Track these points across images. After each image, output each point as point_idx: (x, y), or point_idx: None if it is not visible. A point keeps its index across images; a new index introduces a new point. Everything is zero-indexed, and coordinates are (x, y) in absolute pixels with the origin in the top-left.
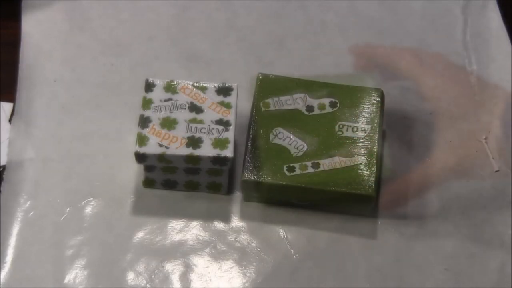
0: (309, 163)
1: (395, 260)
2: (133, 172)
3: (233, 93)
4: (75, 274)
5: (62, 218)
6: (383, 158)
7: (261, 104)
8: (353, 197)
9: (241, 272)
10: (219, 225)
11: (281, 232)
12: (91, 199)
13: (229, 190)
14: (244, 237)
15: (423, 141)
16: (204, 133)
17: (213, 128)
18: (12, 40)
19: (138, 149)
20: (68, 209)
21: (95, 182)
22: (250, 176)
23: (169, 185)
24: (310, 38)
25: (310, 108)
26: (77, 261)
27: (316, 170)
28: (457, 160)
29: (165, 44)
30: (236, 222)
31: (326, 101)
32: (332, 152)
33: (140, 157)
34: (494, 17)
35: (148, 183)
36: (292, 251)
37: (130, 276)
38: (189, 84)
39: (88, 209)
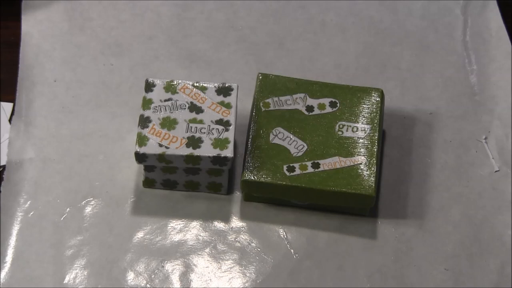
0: (309, 163)
1: (395, 260)
2: (133, 172)
3: (233, 93)
4: (75, 274)
5: (62, 218)
6: (383, 158)
7: (261, 104)
8: (353, 197)
9: (241, 272)
10: (219, 225)
11: (281, 232)
12: (91, 199)
13: (229, 190)
14: (244, 237)
15: (423, 141)
16: (204, 133)
17: (213, 128)
18: (12, 40)
19: (138, 149)
20: (68, 209)
21: (95, 182)
22: (250, 176)
23: (169, 185)
24: (310, 38)
25: (310, 108)
26: (77, 261)
27: (316, 170)
28: (457, 160)
29: (165, 44)
30: (236, 222)
31: (326, 101)
32: (332, 152)
33: (140, 157)
34: (494, 17)
35: (148, 183)
36: (292, 251)
37: (130, 276)
38: (189, 84)
39: (88, 209)
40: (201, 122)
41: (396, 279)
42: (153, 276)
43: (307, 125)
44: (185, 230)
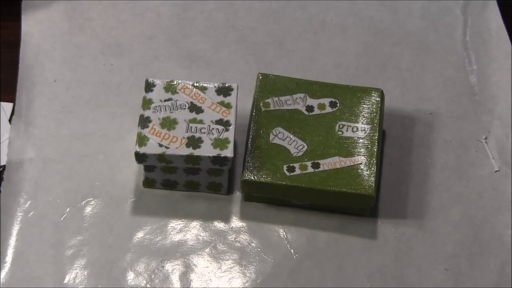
0: (309, 163)
1: (395, 260)
2: (133, 172)
3: (233, 93)
4: (75, 274)
5: (62, 218)
6: (383, 158)
7: (261, 104)
8: (353, 197)
9: (241, 272)
10: (219, 225)
11: (281, 232)
12: (91, 199)
13: (229, 190)
14: (244, 237)
15: (423, 141)
16: (204, 133)
17: (213, 128)
18: (12, 40)
19: (138, 149)
20: (68, 209)
21: (95, 182)
22: (250, 176)
23: (169, 185)
24: (310, 38)
25: (310, 108)
26: (77, 261)
27: (316, 170)
28: (457, 160)
29: (165, 44)
30: (236, 222)
31: (326, 101)
32: (332, 152)
33: (140, 157)
34: (494, 17)
35: (148, 183)
36: (292, 251)
37: (130, 276)
38: (189, 84)
39: (88, 209)
40: (201, 122)
41: (396, 279)
42: (153, 276)
43: (307, 125)
44: (185, 230)
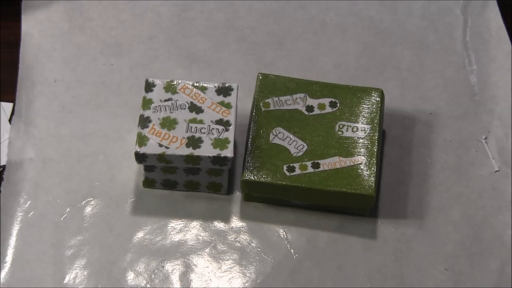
0: (309, 163)
1: (395, 260)
2: (133, 172)
3: (233, 93)
4: (75, 274)
5: (62, 218)
6: (383, 158)
7: (261, 104)
8: (353, 197)
9: (241, 272)
10: (219, 225)
11: (281, 232)
12: (91, 199)
13: (229, 190)
14: (244, 237)
15: (423, 141)
16: (204, 133)
17: (213, 128)
18: (12, 40)
19: (138, 149)
20: (68, 209)
21: (95, 182)
22: (250, 176)
23: (169, 185)
24: (310, 38)
25: (310, 108)
26: (77, 261)
27: (316, 170)
28: (457, 160)
29: (165, 44)
30: (236, 222)
31: (326, 101)
32: (332, 152)
33: (140, 157)
34: (494, 17)
35: (148, 183)
36: (292, 251)
37: (130, 276)
38: (189, 84)
39: (88, 209)
40: (201, 122)
41: (396, 279)
42: (153, 276)
43: (307, 125)
44: (185, 230)
